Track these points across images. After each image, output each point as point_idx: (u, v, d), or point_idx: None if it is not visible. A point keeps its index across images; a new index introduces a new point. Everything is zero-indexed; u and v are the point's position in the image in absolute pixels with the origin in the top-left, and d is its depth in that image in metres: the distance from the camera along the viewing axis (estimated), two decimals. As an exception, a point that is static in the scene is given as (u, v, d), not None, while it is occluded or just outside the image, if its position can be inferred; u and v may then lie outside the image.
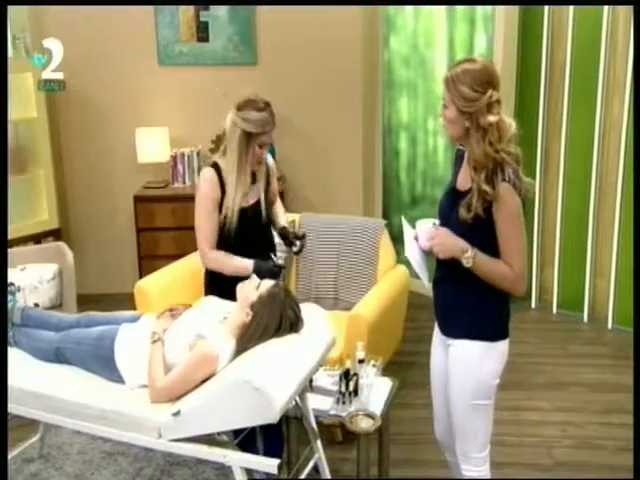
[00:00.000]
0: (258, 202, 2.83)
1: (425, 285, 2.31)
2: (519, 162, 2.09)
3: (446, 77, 2.08)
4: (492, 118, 2.03)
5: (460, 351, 2.22)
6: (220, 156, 2.78)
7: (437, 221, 2.23)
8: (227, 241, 2.76)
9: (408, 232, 2.28)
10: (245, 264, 2.73)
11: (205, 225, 2.76)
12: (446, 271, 2.21)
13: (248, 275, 2.60)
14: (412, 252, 2.25)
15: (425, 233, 2.19)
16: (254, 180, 2.81)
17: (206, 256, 2.79)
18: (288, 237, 2.97)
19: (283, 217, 3.06)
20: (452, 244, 2.12)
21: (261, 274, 2.62)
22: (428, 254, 2.24)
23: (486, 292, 2.15)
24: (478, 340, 2.18)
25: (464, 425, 2.27)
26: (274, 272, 2.76)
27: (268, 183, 2.90)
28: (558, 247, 4.74)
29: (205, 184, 2.74)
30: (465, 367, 2.21)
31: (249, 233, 2.80)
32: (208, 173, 2.75)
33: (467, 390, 2.22)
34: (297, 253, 3.04)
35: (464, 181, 2.16)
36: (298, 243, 2.95)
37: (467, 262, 2.09)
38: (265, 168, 2.87)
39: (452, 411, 2.29)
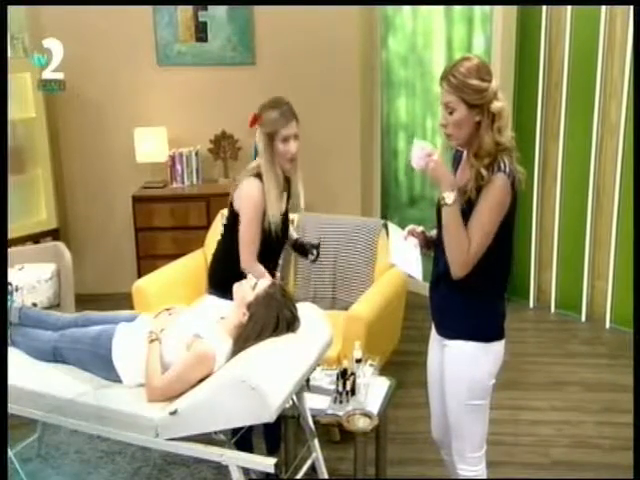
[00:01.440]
0: (287, 210, 2.87)
1: (420, 281, 2.30)
2: (514, 149, 2.12)
3: (449, 79, 2.07)
4: (500, 103, 2.07)
5: (455, 351, 2.22)
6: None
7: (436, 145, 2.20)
8: (266, 249, 2.78)
9: (398, 234, 2.29)
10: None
11: (254, 235, 2.73)
12: (442, 272, 2.21)
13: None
14: (401, 252, 2.25)
15: (423, 150, 2.12)
16: (289, 186, 2.84)
17: (253, 266, 2.72)
18: (305, 248, 3.01)
19: (293, 229, 3.13)
20: (446, 171, 2.12)
21: None
22: (416, 251, 2.24)
23: (481, 293, 2.16)
24: (473, 341, 2.19)
25: (459, 425, 2.28)
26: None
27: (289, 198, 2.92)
28: (556, 249, 4.74)
29: (254, 194, 2.71)
30: (460, 367, 2.22)
31: (280, 240, 2.84)
32: (255, 183, 2.71)
33: (462, 390, 2.23)
34: (314, 261, 3.05)
35: (462, 180, 2.18)
36: (315, 252, 2.97)
37: (448, 199, 2.08)
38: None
39: (448, 411, 2.30)
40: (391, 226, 2.35)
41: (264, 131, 2.69)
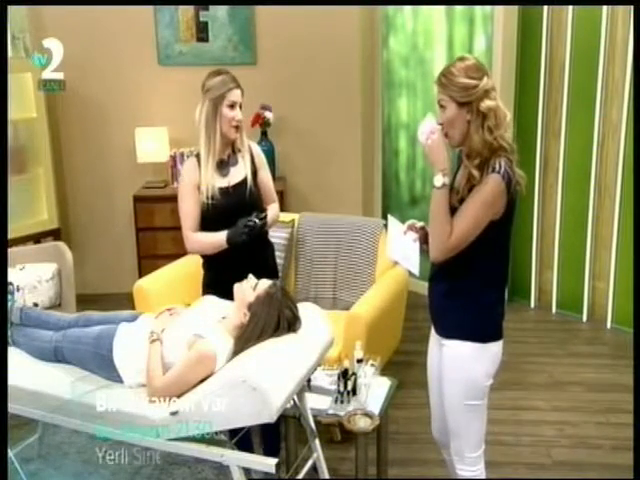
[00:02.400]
0: (243, 183, 2.75)
1: (418, 278, 2.30)
2: (514, 152, 2.12)
3: (440, 79, 2.12)
4: (491, 103, 2.08)
5: (452, 351, 2.23)
6: None
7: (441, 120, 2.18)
8: (212, 225, 2.71)
9: (397, 228, 2.29)
10: (219, 238, 2.68)
11: (185, 208, 2.74)
12: (439, 271, 2.22)
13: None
14: (399, 246, 2.26)
15: (430, 125, 2.14)
16: (235, 159, 2.76)
17: (187, 239, 2.75)
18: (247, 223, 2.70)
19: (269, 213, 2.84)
20: (441, 153, 2.11)
21: (235, 242, 2.63)
22: (414, 246, 2.24)
23: (479, 293, 2.16)
24: (470, 341, 2.19)
25: (457, 425, 2.28)
26: (248, 232, 2.63)
27: (255, 171, 2.81)
28: (557, 250, 4.74)
29: (185, 172, 2.79)
30: (457, 367, 2.22)
31: (233, 215, 2.68)
32: (189, 161, 2.79)
33: (459, 390, 2.23)
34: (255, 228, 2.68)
35: (458, 180, 2.18)
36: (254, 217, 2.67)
37: (437, 182, 2.10)
38: (249, 150, 2.81)
39: (446, 411, 2.30)
40: (391, 220, 2.35)
41: (210, 97, 2.67)
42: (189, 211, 2.74)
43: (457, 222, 2.10)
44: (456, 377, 2.22)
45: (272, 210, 2.87)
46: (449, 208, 2.12)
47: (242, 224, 2.64)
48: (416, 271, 2.25)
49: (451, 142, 2.17)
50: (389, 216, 2.38)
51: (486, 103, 2.07)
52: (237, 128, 2.72)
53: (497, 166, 2.07)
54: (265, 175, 2.88)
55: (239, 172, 2.77)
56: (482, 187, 2.07)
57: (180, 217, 2.77)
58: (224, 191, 2.72)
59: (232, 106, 2.69)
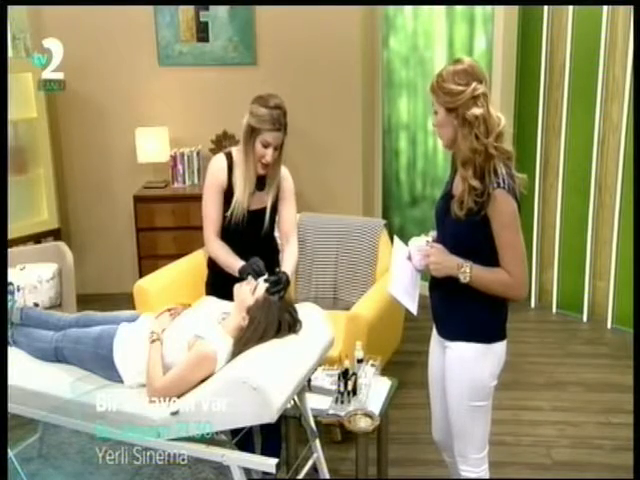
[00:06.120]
0: (262, 211, 2.75)
1: (413, 313, 2.25)
2: (511, 159, 2.10)
3: (432, 81, 2.11)
4: (477, 111, 2.04)
5: (456, 353, 2.22)
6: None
7: (430, 238, 2.21)
8: (227, 238, 2.73)
9: (402, 253, 2.23)
10: (233, 263, 2.64)
11: (210, 210, 2.74)
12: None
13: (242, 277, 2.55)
14: (401, 277, 2.22)
15: (420, 251, 2.17)
16: (262, 185, 2.74)
17: (209, 242, 2.74)
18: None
19: (288, 263, 2.75)
20: (448, 261, 2.12)
21: (242, 277, 2.57)
22: (416, 277, 2.22)
23: (482, 294, 2.15)
24: (474, 342, 2.18)
25: (462, 426, 2.27)
26: (255, 272, 2.53)
27: (277, 200, 2.79)
28: (557, 249, 4.74)
29: (212, 170, 2.76)
30: (461, 369, 2.21)
31: (247, 238, 2.72)
32: (219, 159, 2.77)
33: (464, 392, 2.22)
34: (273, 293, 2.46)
35: (458, 188, 2.17)
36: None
37: (464, 277, 2.10)
38: (278, 181, 2.77)
39: (450, 412, 2.29)
40: (397, 243, 2.28)
41: (249, 122, 2.65)
42: (212, 215, 2.73)
43: (505, 258, 2.08)
44: (461, 378, 2.22)
45: (289, 257, 2.78)
46: (454, 224, 2.11)
47: (252, 264, 2.55)
48: (413, 310, 2.23)
49: (443, 143, 2.17)
50: (395, 238, 2.30)
51: (472, 111, 2.03)
52: (266, 166, 2.68)
53: (499, 178, 2.04)
54: (285, 207, 2.81)
55: (262, 199, 2.75)
56: (497, 212, 2.04)
57: (204, 217, 2.76)
58: (247, 212, 2.72)
59: (266, 145, 2.64)
